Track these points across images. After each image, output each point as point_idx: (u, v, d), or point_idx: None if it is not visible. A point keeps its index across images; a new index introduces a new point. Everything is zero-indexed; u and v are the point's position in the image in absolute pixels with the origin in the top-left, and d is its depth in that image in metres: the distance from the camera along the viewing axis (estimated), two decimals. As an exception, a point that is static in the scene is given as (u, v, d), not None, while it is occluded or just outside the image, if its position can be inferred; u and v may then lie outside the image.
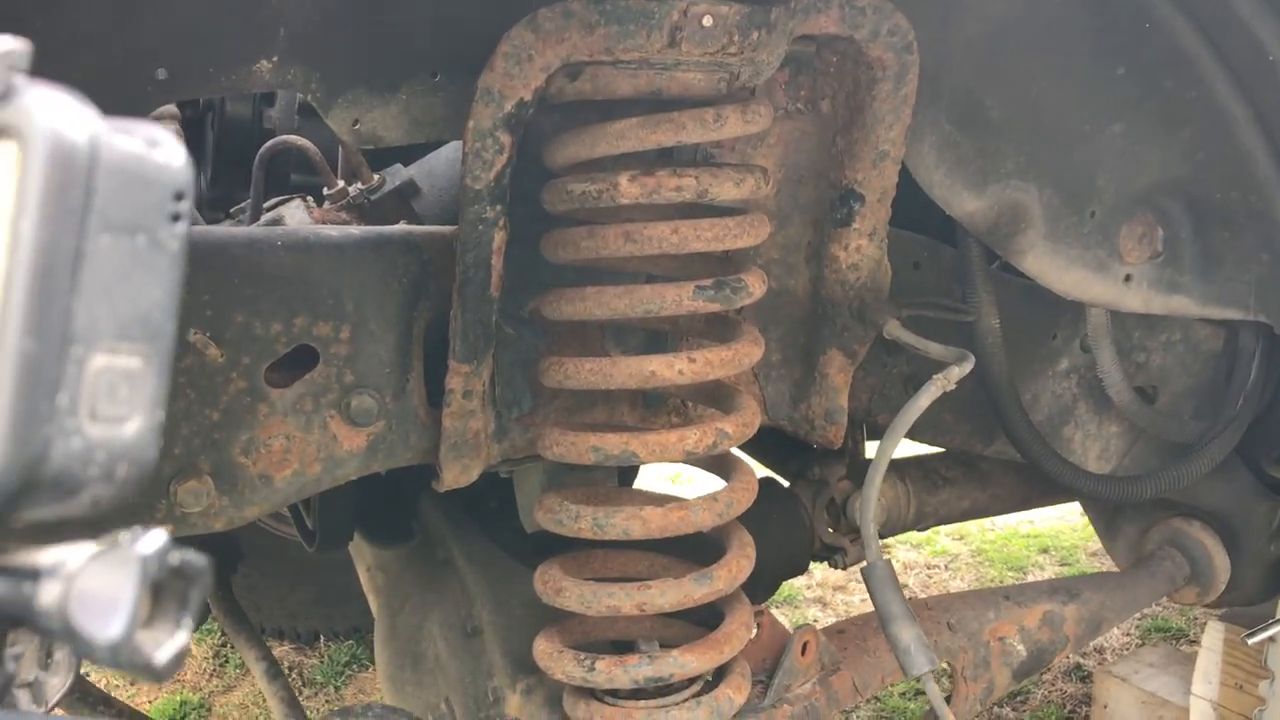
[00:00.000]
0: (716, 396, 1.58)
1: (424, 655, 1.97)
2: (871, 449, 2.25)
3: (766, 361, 1.73)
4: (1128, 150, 1.69)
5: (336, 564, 2.76)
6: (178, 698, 3.38)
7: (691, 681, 1.53)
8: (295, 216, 1.76)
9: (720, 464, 1.60)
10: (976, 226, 1.65)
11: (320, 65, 1.32)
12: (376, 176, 1.83)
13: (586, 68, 1.34)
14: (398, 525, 2.16)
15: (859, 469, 2.19)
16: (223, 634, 3.56)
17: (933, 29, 1.48)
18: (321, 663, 3.57)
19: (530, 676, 1.69)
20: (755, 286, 1.45)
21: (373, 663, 3.53)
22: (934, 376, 1.58)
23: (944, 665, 1.88)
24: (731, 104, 1.38)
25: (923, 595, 3.79)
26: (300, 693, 3.29)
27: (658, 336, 1.68)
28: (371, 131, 1.38)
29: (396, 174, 1.83)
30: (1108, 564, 3.80)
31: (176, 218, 0.36)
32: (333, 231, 1.49)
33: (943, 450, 2.28)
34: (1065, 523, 4.68)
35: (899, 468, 2.25)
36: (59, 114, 0.34)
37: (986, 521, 4.59)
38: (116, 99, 1.20)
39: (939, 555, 4.40)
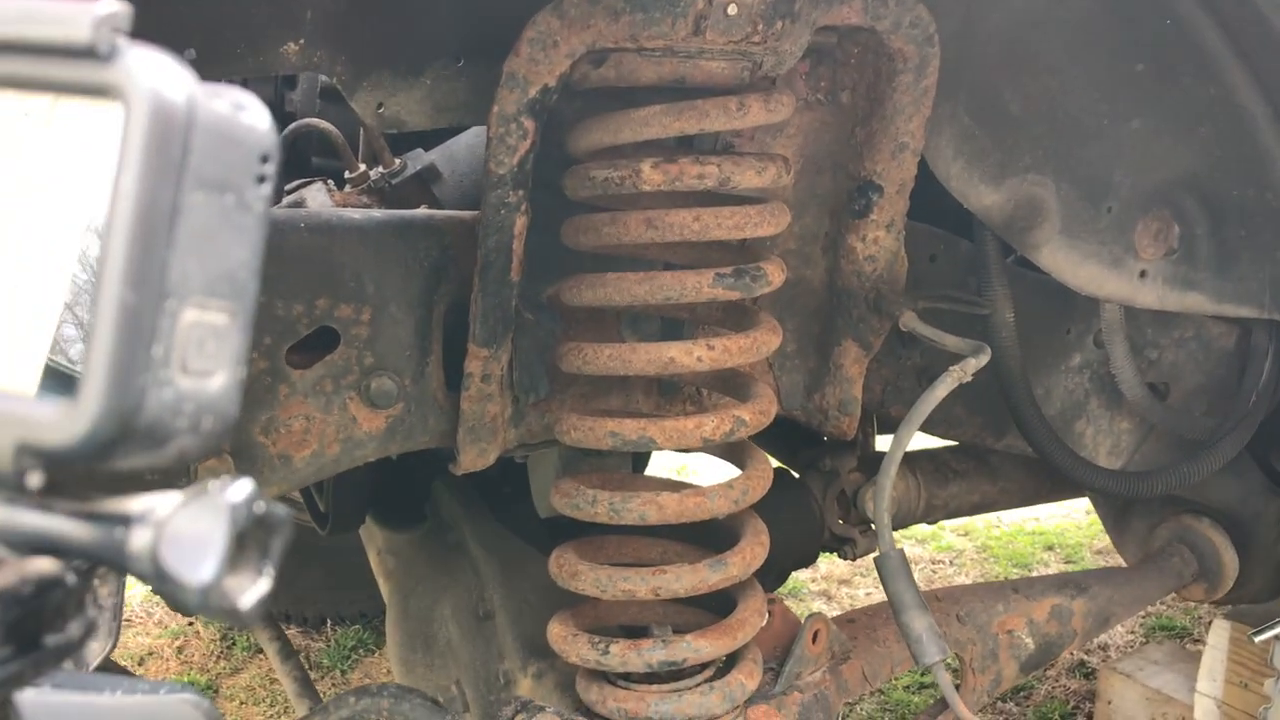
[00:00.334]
0: (732, 385, 1.59)
1: (435, 638, 1.99)
2: (882, 441, 2.27)
3: (781, 351, 1.74)
4: (1145, 146, 1.70)
5: (344, 548, 2.78)
6: (185, 678, 3.41)
7: (704, 667, 1.54)
8: (317, 199, 1.77)
9: (735, 452, 1.61)
10: (993, 220, 1.66)
11: (346, 48, 1.33)
12: (398, 161, 1.84)
13: (611, 54, 1.34)
14: (409, 509, 2.17)
15: (870, 461, 2.20)
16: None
17: (954, 22, 1.49)
18: (328, 647, 3.59)
19: (541, 660, 1.71)
20: (774, 275, 1.46)
21: (379, 647, 3.55)
22: (950, 368, 1.58)
23: (953, 656, 1.89)
24: (754, 93, 1.39)
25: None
26: (307, 676, 3.30)
27: (674, 325, 1.69)
28: (395, 115, 1.39)
29: (418, 158, 1.84)
30: (1113, 561, 3.81)
31: (262, 179, 0.38)
32: (355, 214, 1.49)
33: (953, 443, 2.29)
34: (1070, 520, 4.69)
35: (910, 460, 2.26)
36: (159, 74, 0.35)
37: (992, 517, 4.60)
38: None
39: (944, 551, 4.42)
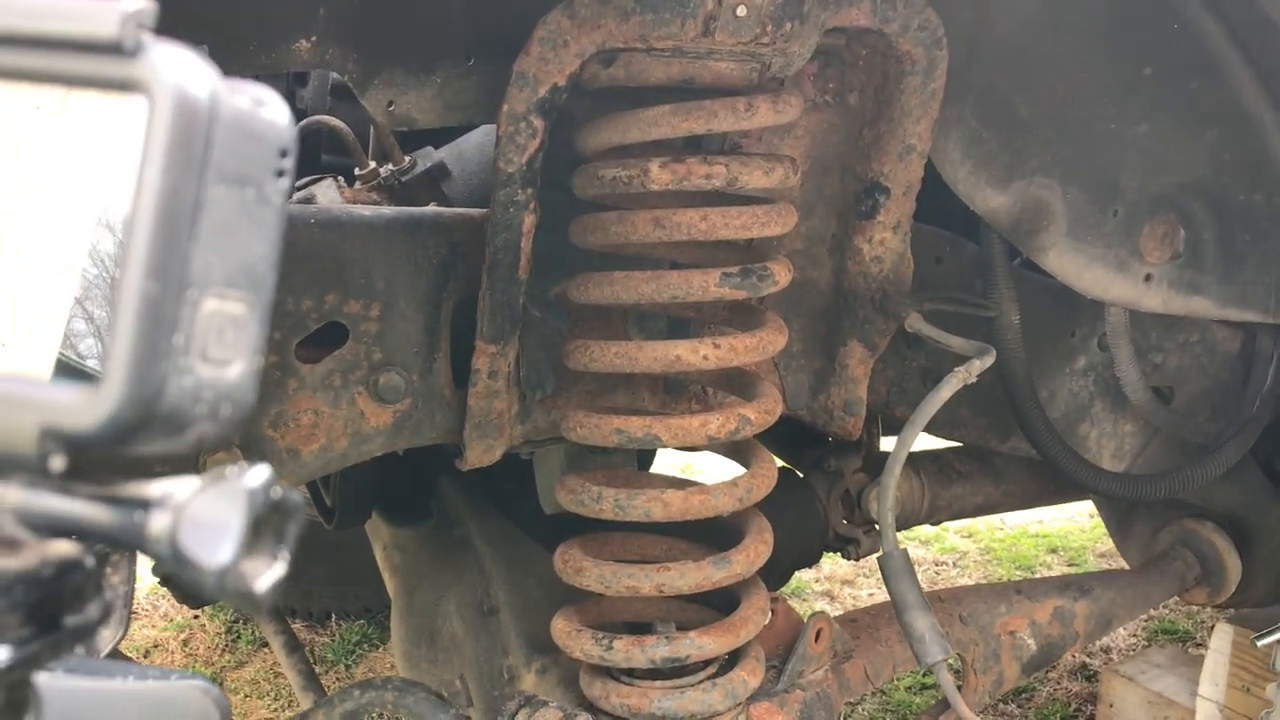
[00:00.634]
0: (738, 384, 1.60)
1: (440, 633, 2.00)
2: (886, 442, 2.28)
3: (787, 351, 1.75)
4: (1152, 150, 1.70)
5: (349, 543, 2.79)
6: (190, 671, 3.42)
7: (707, 664, 1.55)
8: (327, 196, 1.78)
9: (741, 451, 1.62)
10: (999, 222, 1.67)
11: (358, 46, 1.34)
12: (408, 158, 1.85)
13: (620, 54, 1.35)
14: (415, 504, 2.19)
15: (874, 461, 2.20)
16: (236, 609, 3.59)
17: (963, 25, 1.49)
18: (333, 641, 3.61)
19: (545, 656, 1.71)
20: (781, 275, 1.47)
21: (383, 642, 3.57)
22: (955, 369, 1.59)
23: (955, 656, 1.89)
24: (762, 94, 1.40)
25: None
26: (311, 670, 3.31)
27: (679, 324, 1.70)
28: (406, 113, 1.40)
29: (427, 156, 1.85)
30: (1115, 564, 3.81)
31: (281, 174, 0.38)
32: (365, 211, 1.51)
33: (957, 445, 2.29)
34: (1074, 523, 4.69)
35: (913, 461, 2.27)
36: (183, 69, 0.36)
37: (995, 520, 4.61)
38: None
39: (947, 552, 4.42)
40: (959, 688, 1.83)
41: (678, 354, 1.41)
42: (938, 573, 4.24)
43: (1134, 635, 3.63)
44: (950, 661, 1.61)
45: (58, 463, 0.37)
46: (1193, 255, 1.80)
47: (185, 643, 3.62)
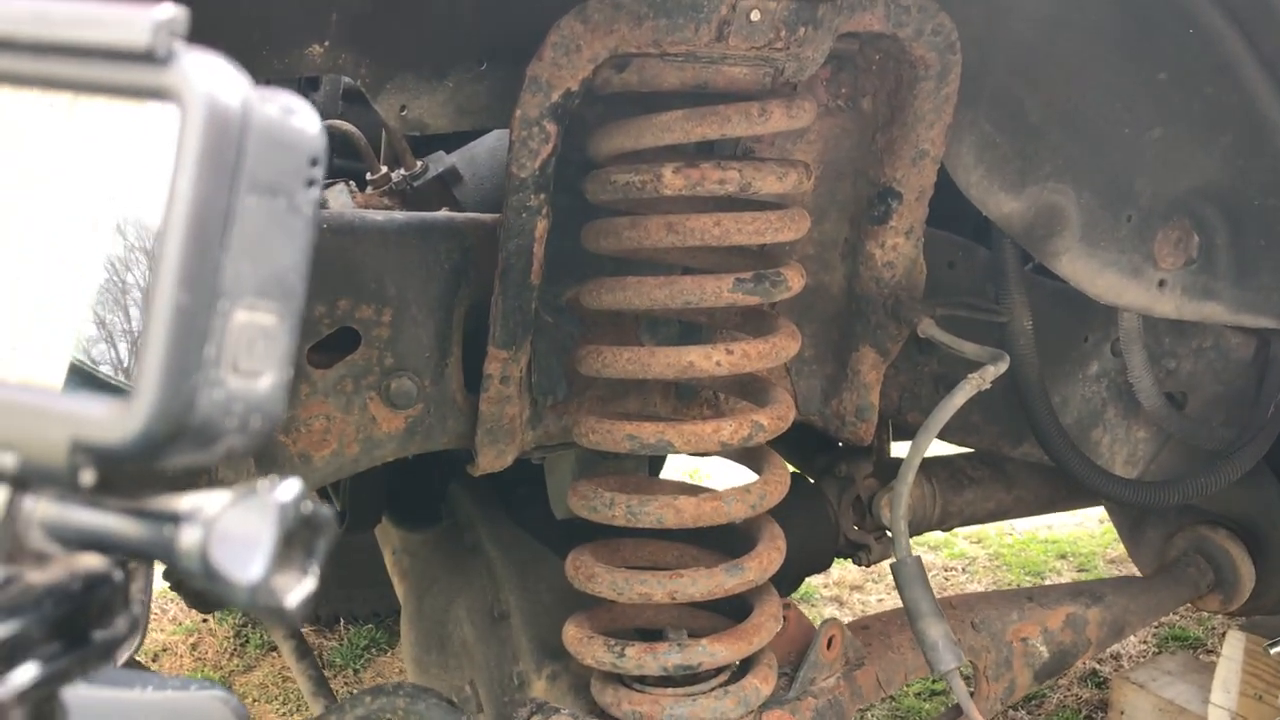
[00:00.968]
0: (750, 390, 1.60)
1: (450, 638, 2.00)
2: (897, 447, 2.27)
3: (800, 357, 1.74)
4: (1166, 155, 1.69)
5: (358, 548, 2.79)
6: (199, 675, 3.42)
7: (719, 671, 1.54)
8: (339, 201, 1.78)
9: (753, 457, 1.61)
10: (1012, 227, 1.66)
11: (370, 51, 1.34)
12: (419, 163, 1.85)
13: (634, 59, 1.35)
14: (426, 509, 2.18)
15: (885, 467, 2.20)
16: (245, 613, 3.59)
17: (976, 29, 1.49)
18: (341, 645, 3.60)
19: (556, 662, 1.71)
20: (794, 280, 1.46)
21: (392, 647, 3.56)
22: (969, 375, 1.58)
23: (967, 664, 1.89)
24: (776, 99, 1.39)
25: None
26: (319, 675, 3.31)
27: (691, 329, 1.69)
28: (418, 118, 1.40)
29: (439, 161, 1.85)
30: (1126, 570, 3.80)
31: (311, 183, 0.38)
32: (377, 216, 1.50)
33: (969, 451, 2.29)
34: (1083, 529, 4.67)
35: (925, 467, 2.26)
36: (215, 78, 0.36)
37: (1005, 525, 4.59)
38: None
39: (957, 558, 4.40)
40: (971, 695, 1.82)
41: (691, 360, 1.41)
42: (947, 578, 4.23)
43: (1145, 642, 3.61)
44: (962, 669, 1.60)
45: (88, 476, 0.37)
46: (1206, 261, 1.79)
47: (194, 647, 3.62)
